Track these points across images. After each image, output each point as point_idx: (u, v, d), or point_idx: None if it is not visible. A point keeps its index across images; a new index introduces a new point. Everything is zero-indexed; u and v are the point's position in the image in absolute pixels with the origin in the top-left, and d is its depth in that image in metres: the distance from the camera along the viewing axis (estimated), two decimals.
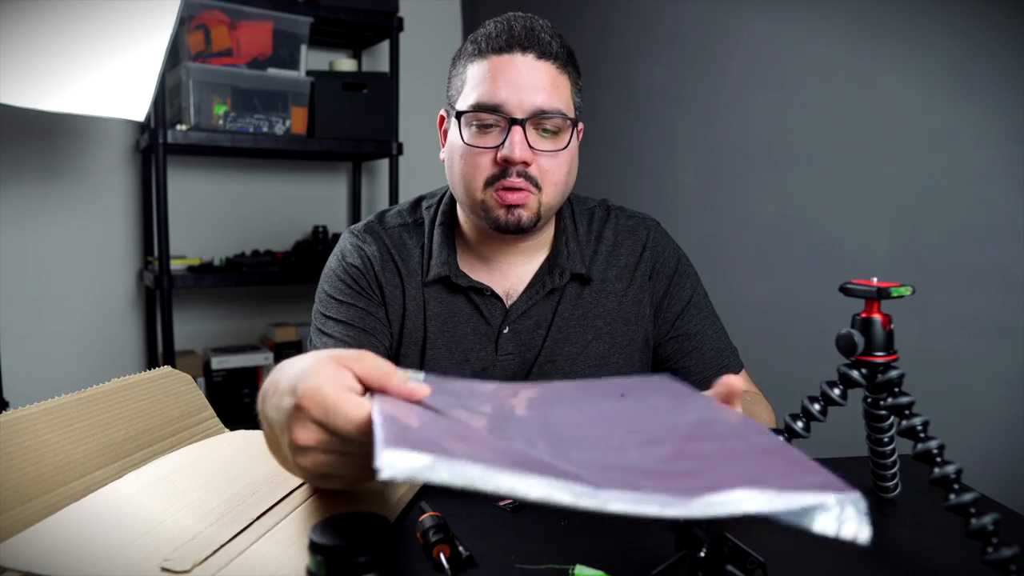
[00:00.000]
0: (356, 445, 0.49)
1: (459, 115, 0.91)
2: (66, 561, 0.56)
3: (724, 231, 1.76)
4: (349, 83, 2.27)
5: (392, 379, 0.52)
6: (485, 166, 0.89)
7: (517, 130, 0.87)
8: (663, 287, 1.02)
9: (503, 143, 0.88)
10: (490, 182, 0.90)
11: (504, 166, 0.88)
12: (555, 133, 0.90)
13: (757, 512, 0.42)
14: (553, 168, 0.90)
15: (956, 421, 1.22)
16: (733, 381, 0.57)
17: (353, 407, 0.48)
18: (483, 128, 0.89)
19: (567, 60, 0.92)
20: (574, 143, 0.93)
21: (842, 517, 0.41)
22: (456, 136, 0.92)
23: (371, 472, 0.48)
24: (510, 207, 0.89)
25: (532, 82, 0.88)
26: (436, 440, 0.42)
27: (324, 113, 2.23)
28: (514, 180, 0.88)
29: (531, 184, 0.89)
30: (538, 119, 0.88)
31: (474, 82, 0.90)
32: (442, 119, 0.98)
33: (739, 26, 1.70)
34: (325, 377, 0.50)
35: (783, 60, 1.59)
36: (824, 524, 0.41)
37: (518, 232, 0.91)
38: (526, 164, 0.88)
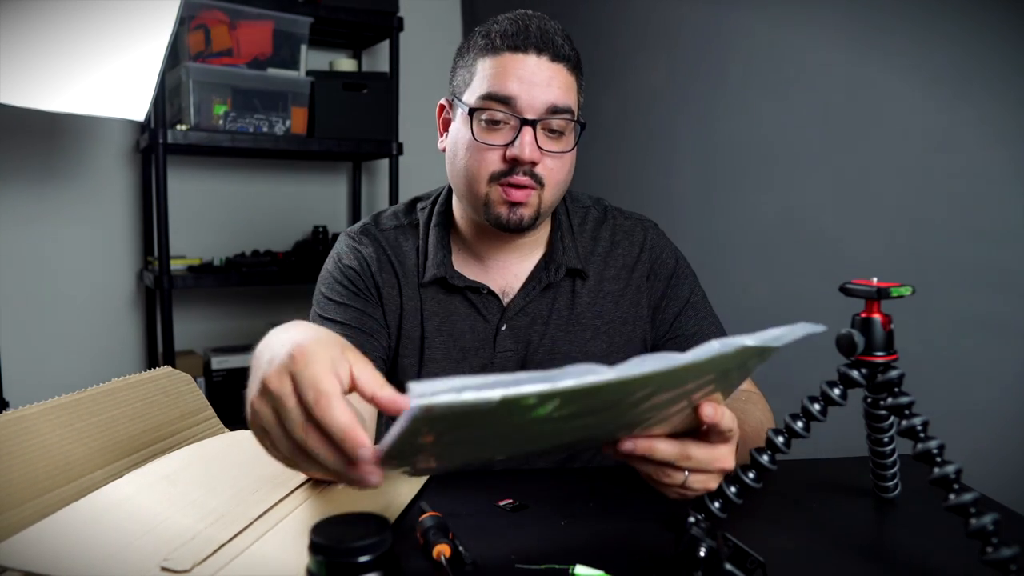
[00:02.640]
0: (300, 424, 0.50)
1: (471, 111, 0.90)
2: (66, 561, 0.56)
3: (724, 231, 1.76)
4: (349, 83, 2.27)
5: (384, 389, 0.53)
6: (492, 161, 0.90)
7: (528, 130, 0.88)
8: (661, 288, 1.02)
9: (513, 142, 0.88)
10: (495, 177, 0.90)
11: (512, 164, 0.89)
12: (562, 134, 0.91)
13: (731, 344, 0.51)
14: (557, 168, 0.91)
15: (956, 421, 1.22)
16: (709, 413, 0.58)
17: (329, 384, 0.50)
18: (492, 124, 0.90)
19: (576, 63, 0.94)
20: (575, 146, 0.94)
21: (792, 331, 0.54)
22: (463, 129, 0.92)
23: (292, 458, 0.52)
24: (513, 205, 0.90)
25: (545, 82, 0.89)
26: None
27: (324, 113, 2.23)
28: (521, 178, 0.89)
29: (535, 182, 0.90)
30: (547, 120, 0.89)
31: (484, 75, 0.90)
32: (442, 108, 0.98)
33: (739, 26, 1.70)
34: (325, 353, 0.52)
35: (783, 60, 1.59)
36: (783, 339, 0.53)
37: (519, 231, 0.92)
38: (534, 164, 0.89)
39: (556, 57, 0.90)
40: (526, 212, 0.91)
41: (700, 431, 0.61)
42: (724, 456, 0.62)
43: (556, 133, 0.91)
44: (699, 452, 0.61)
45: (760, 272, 1.67)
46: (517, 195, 0.89)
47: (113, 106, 1.60)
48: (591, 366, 0.46)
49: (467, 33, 2.79)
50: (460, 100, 0.93)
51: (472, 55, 0.93)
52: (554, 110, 0.89)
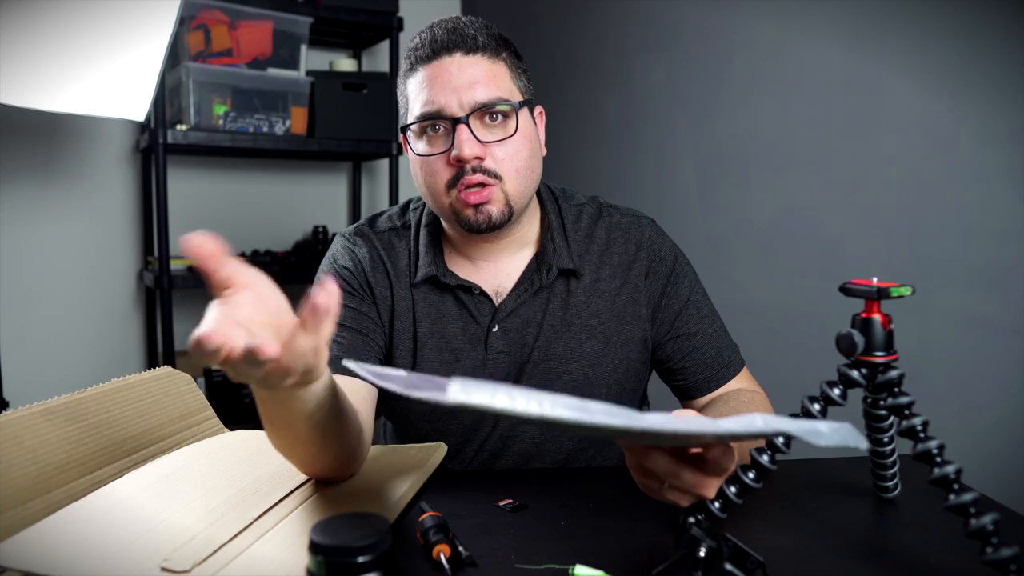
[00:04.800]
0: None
1: (404, 130, 0.93)
2: (66, 561, 0.56)
3: (724, 231, 1.76)
4: (349, 83, 2.27)
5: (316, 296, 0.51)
6: (443, 170, 0.90)
7: (462, 128, 0.88)
8: (660, 287, 1.01)
9: (452, 145, 0.88)
10: (452, 184, 0.90)
11: (459, 166, 0.89)
12: (505, 118, 0.91)
13: (775, 427, 0.53)
14: (509, 155, 0.91)
15: (956, 421, 1.22)
16: (716, 453, 0.60)
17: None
18: (431, 134, 0.91)
19: (498, 47, 0.93)
20: (526, 126, 0.93)
21: (840, 433, 0.52)
22: (411, 151, 0.94)
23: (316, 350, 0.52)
24: (477, 206, 0.90)
25: (466, 79, 0.89)
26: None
27: (324, 113, 2.23)
28: (472, 177, 0.89)
29: (490, 177, 0.90)
30: (480, 113, 0.89)
31: (413, 95, 0.92)
32: (405, 140, 0.99)
33: (739, 26, 1.70)
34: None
35: (783, 60, 1.59)
36: (828, 440, 0.52)
37: (492, 229, 0.92)
38: (479, 159, 0.89)
39: (470, 50, 0.90)
40: (493, 209, 0.90)
41: (698, 455, 0.62)
42: (708, 485, 0.63)
43: (497, 119, 0.90)
44: (688, 476, 0.62)
45: (760, 272, 1.67)
46: (474, 198, 0.89)
47: (113, 106, 1.60)
48: (631, 412, 0.49)
49: None
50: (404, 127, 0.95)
51: (402, 81, 0.95)
52: (482, 105, 0.88)
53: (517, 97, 0.92)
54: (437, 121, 0.89)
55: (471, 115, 0.88)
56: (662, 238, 1.04)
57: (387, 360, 0.99)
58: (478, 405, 0.45)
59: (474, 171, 0.89)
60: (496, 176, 0.90)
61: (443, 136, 0.90)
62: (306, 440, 0.66)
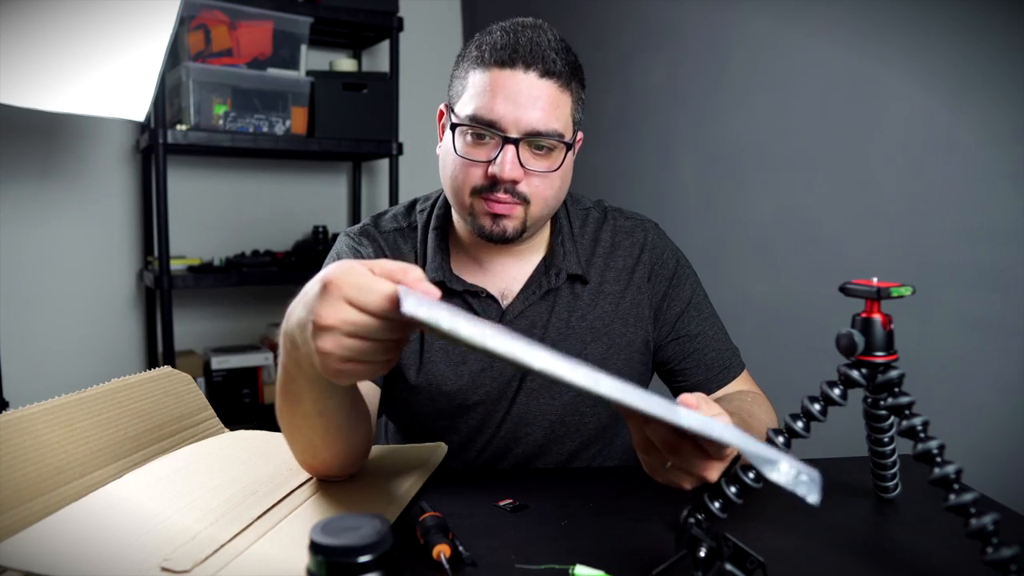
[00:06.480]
0: (379, 328, 0.54)
1: (454, 125, 0.91)
2: (66, 561, 0.56)
3: (724, 231, 1.76)
4: (349, 83, 2.27)
5: (409, 274, 0.56)
6: (475, 176, 0.90)
7: (509, 149, 0.87)
8: (662, 289, 1.02)
9: (495, 159, 0.88)
10: (477, 191, 0.90)
11: (493, 181, 0.89)
12: (550, 151, 0.90)
13: (727, 439, 0.52)
14: (543, 187, 0.90)
15: (956, 421, 1.22)
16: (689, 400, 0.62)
17: (381, 283, 0.54)
18: (477, 139, 0.89)
19: (571, 76, 0.91)
20: (568, 163, 0.93)
21: (797, 479, 0.52)
22: (450, 142, 0.92)
23: (391, 359, 0.57)
24: (496, 217, 0.90)
25: (531, 101, 0.87)
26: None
27: (324, 113, 2.23)
28: (501, 196, 0.89)
29: (519, 199, 0.90)
30: (532, 138, 0.88)
31: (473, 91, 0.89)
32: (442, 113, 0.98)
33: (739, 26, 1.70)
34: (355, 263, 0.56)
35: (783, 60, 1.59)
36: (780, 477, 0.52)
37: (503, 242, 0.92)
38: (515, 182, 0.89)
39: (545, 73, 0.87)
40: (509, 224, 0.90)
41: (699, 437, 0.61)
42: (709, 468, 0.62)
43: (544, 149, 0.89)
44: (688, 452, 0.61)
45: (760, 272, 1.67)
46: (499, 208, 0.89)
47: (113, 106, 1.61)
48: (589, 372, 0.50)
49: (467, 33, 2.79)
50: (452, 111, 0.93)
51: (465, 66, 0.92)
52: (536, 134, 0.87)
53: (569, 134, 0.91)
54: (487, 129, 0.88)
55: (522, 139, 0.87)
56: (664, 241, 1.05)
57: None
58: (425, 320, 0.48)
59: (505, 191, 0.88)
60: (525, 200, 0.90)
61: (488, 146, 0.89)
62: (314, 429, 0.67)
